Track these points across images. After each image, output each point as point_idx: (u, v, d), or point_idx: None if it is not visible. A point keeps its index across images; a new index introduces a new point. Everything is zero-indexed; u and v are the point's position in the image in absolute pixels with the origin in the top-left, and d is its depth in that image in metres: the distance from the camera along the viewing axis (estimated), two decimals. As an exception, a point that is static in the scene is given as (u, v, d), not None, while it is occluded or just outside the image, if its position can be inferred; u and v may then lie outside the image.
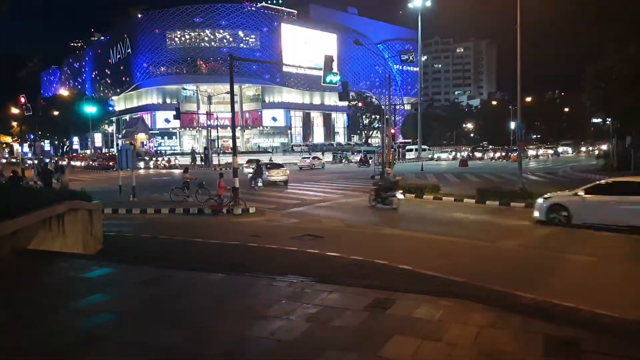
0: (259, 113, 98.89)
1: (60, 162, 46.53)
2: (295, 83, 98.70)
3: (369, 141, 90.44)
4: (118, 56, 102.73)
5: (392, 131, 38.28)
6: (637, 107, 28.43)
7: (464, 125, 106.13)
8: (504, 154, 60.45)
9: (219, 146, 70.78)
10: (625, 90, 28.24)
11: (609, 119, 35.85)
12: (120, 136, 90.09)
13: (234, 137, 21.00)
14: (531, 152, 59.18)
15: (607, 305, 6.47)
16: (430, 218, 16.53)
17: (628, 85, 28.01)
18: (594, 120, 58.81)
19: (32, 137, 77.65)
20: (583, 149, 70.27)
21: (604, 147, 50.97)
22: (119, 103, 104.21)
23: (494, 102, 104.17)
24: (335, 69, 21.56)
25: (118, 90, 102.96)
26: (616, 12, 36.37)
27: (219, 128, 67.20)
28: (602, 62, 30.05)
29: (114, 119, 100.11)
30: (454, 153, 65.30)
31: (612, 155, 33.47)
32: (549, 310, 6.20)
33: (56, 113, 76.18)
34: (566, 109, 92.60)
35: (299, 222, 15.68)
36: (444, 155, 63.97)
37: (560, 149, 70.39)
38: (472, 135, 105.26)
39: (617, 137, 33.15)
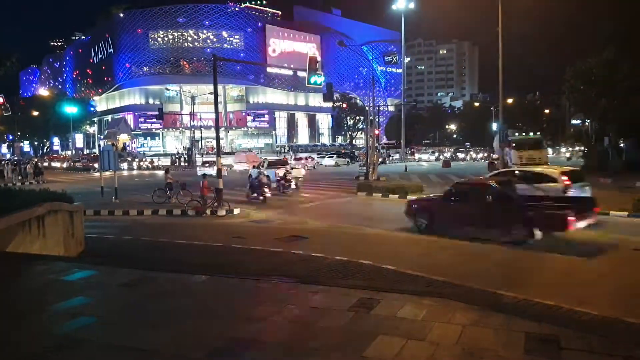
0: (243, 114, 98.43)
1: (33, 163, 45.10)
2: (280, 84, 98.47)
3: (354, 142, 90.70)
4: (100, 56, 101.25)
5: (376, 132, 38.44)
6: (614, 108, 29.08)
7: (446, 127, 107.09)
8: (486, 154, 61.15)
9: (202, 147, 70.22)
10: (603, 92, 28.89)
11: (588, 120, 36.53)
12: (102, 137, 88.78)
13: (217, 138, 20.86)
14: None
15: (587, 304, 6.61)
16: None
17: (605, 87, 28.66)
18: (574, 121, 59.86)
19: (10, 137, 76.13)
20: (563, 149, 71.35)
21: (582, 148, 51.77)
22: (100, 103, 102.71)
23: (476, 104, 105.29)
24: (319, 70, 21.58)
25: (100, 90, 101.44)
26: (595, 16, 37.16)
27: (202, 129, 66.70)
28: (580, 64, 30.64)
29: (95, 119, 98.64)
30: (436, 154, 65.84)
31: (591, 156, 34.03)
32: (530, 309, 6.32)
33: (36, 113, 74.85)
34: (546, 110, 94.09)
35: (284, 223, 15.66)
36: (425, 157, 64.40)
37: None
38: (454, 136, 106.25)
39: (596, 137, 33.76)
